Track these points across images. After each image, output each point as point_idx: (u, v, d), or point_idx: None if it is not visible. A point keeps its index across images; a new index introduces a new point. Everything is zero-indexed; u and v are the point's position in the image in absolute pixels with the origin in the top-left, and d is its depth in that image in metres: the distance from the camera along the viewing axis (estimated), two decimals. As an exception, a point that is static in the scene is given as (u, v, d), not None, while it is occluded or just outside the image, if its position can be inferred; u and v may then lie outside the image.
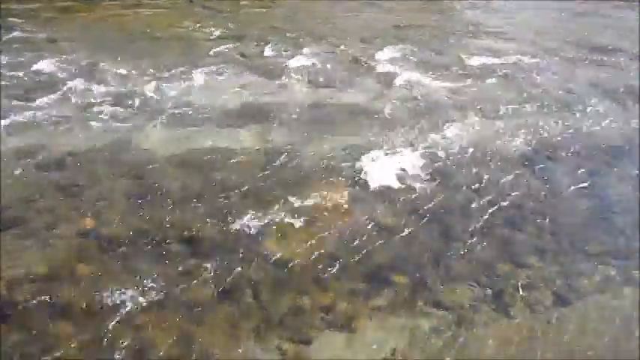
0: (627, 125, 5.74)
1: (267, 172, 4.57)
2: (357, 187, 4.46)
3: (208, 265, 3.54)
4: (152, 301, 3.25)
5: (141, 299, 3.25)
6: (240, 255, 3.64)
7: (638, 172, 4.87)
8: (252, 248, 3.72)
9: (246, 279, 3.48)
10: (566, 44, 8.54)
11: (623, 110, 6.08)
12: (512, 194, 4.48)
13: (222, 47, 7.60)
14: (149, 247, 3.67)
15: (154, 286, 3.35)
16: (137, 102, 5.72)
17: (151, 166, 4.59)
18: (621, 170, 4.92)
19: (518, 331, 3.24)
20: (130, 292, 3.28)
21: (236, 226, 3.91)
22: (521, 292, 3.49)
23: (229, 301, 3.32)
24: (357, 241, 3.85)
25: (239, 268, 3.55)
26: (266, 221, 3.96)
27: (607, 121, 5.79)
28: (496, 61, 7.39)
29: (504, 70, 7.13)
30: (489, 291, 3.49)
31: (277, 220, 3.99)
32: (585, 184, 4.68)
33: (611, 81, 6.94)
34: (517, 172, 4.80)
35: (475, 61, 7.34)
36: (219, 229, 3.87)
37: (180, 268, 3.51)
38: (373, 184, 4.49)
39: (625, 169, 4.95)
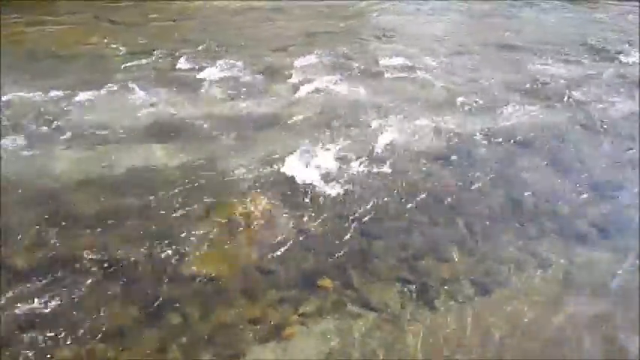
0: (535, 119, 6.06)
1: (186, 188, 4.48)
2: (279, 196, 4.45)
3: (131, 290, 3.43)
4: (73, 331, 3.10)
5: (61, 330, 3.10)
6: (164, 276, 3.55)
7: (546, 162, 5.15)
8: (176, 267, 3.62)
9: (171, 299, 3.39)
10: (475, 44, 8.93)
11: (530, 105, 6.42)
12: (431, 190, 4.62)
13: (132, 62, 7.37)
14: (65, 275, 3.49)
15: (74, 314, 3.20)
16: (43, 125, 5.44)
17: (62, 192, 4.38)
18: (533, 160, 5.19)
19: (445, 323, 3.34)
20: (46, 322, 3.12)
21: (157, 245, 3.80)
22: (444, 286, 3.60)
23: (156, 324, 3.22)
24: (281, 250, 3.84)
25: (163, 290, 3.45)
26: (188, 238, 3.88)
27: (517, 116, 6.10)
28: (408, 63, 7.61)
29: (417, 72, 7.35)
30: (414, 287, 3.58)
31: (199, 236, 3.91)
32: (498, 176, 4.90)
33: (518, 77, 7.33)
34: (434, 168, 4.96)
35: (388, 64, 7.52)
36: (140, 251, 3.75)
37: (101, 295, 3.37)
38: (294, 192, 4.50)
39: (534, 158, 5.22)
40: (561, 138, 5.63)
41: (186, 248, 3.79)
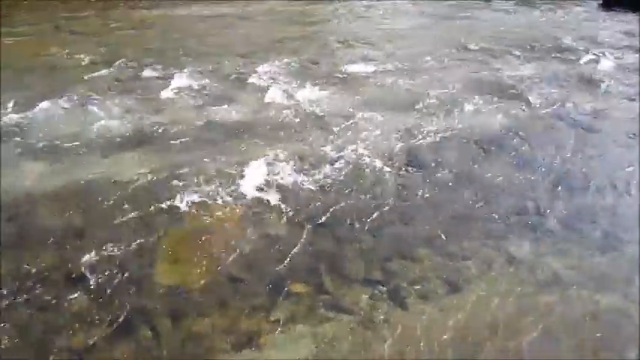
0: (497, 118, 6.18)
1: (154, 198, 4.42)
2: (248, 203, 4.43)
3: (98, 304, 3.36)
4: (40, 350, 3.02)
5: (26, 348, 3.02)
6: (132, 288, 3.49)
7: (509, 160, 5.25)
8: (145, 279, 3.57)
9: (141, 313, 3.34)
10: (438, 47, 9.06)
11: (493, 104, 6.55)
12: (398, 191, 4.67)
13: (95, 73, 7.27)
14: (29, 292, 3.41)
15: (40, 332, 3.12)
16: (4, 138, 5.31)
17: (26, 205, 4.28)
18: (496, 159, 5.29)
19: (417, 322, 3.36)
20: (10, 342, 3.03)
21: (124, 258, 3.74)
22: (414, 285, 3.63)
23: (125, 339, 3.16)
24: (251, 257, 3.83)
25: (132, 302, 3.40)
26: (156, 249, 3.83)
27: (479, 116, 6.21)
28: (372, 67, 7.69)
29: (381, 75, 7.43)
30: (385, 288, 3.60)
31: (167, 246, 3.86)
32: (464, 174, 4.97)
33: (480, 78, 7.46)
34: (400, 172, 5.01)
35: (352, 70, 7.59)
36: (107, 264, 3.68)
37: (67, 312, 3.29)
38: (263, 198, 4.49)
39: (499, 157, 5.32)
40: (523, 135, 5.74)
41: (154, 259, 3.74)
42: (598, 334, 3.25)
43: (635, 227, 4.24)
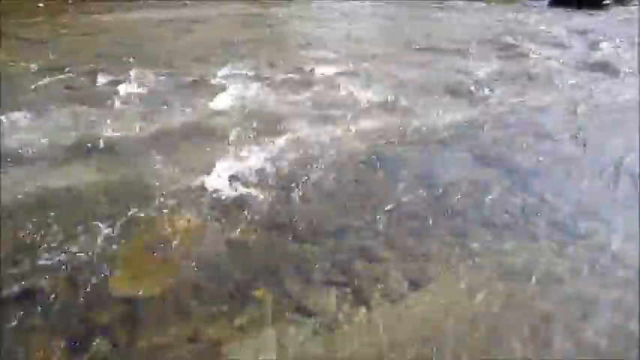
0: (456, 116, 6.27)
1: (109, 207, 4.31)
2: (206, 209, 4.36)
3: (54, 320, 3.24)
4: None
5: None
6: (88, 301, 3.38)
7: (467, 158, 5.33)
8: (101, 291, 3.46)
9: (97, 326, 3.23)
10: (394, 47, 9.16)
11: (448, 103, 6.65)
12: (359, 192, 4.68)
13: (44, 81, 7.04)
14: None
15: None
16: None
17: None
18: (452, 156, 5.36)
19: (381, 322, 3.36)
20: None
21: (79, 270, 3.62)
22: (378, 285, 3.63)
23: (80, 354, 3.05)
24: (212, 263, 3.76)
25: (90, 316, 3.29)
26: (112, 260, 3.72)
27: (437, 116, 6.29)
28: (330, 70, 7.70)
29: (339, 78, 7.45)
30: (349, 289, 3.59)
31: (125, 256, 3.76)
32: (423, 173, 5.02)
33: (435, 78, 7.56)
34: (360, 170, 5.02)
35: (308, 71, 7.58)
36: (60, 277, 3.56)
37: (18, 328, 3.16)
38: (221, 202, 4.43)
39: (455, 155, 5.39)
40: (478, 133, 5.85)
41: (110, 270, 3.64)
42: (558, 326, 3.32)
43: (592, 219, 4.36)
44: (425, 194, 4.72)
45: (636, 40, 9.40)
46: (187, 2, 12.24)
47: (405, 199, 4.62)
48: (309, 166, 5.03)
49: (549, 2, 12.81)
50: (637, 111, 6.41)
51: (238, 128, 5.80)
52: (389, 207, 4.51)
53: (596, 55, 8.47)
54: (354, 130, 5.75)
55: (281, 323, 3.33)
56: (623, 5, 12.58)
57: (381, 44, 9.18)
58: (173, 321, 3.29)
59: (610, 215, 4.39)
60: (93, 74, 7.24)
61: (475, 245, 4.05)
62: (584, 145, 5.54)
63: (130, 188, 4.58)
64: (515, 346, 3.17)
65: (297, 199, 4.55)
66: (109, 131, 5.64)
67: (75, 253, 3.78)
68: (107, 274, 3.60)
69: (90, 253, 3.77)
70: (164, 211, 4.30)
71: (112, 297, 3.44)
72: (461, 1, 12.81)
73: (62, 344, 3.12)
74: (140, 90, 6.70)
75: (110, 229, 4.04)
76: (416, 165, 5.15)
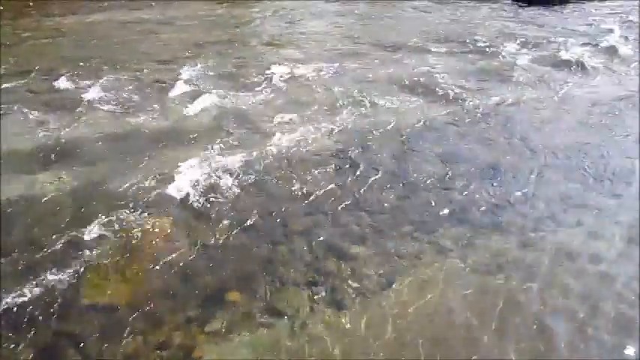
0: (420, 114, 6.33)
1: (76, 213, 4.23)
2: (176, 212, 4.32)
3: (23, 330, 3.18)
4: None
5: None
6: (58, 312, 3.32)
7: (434, 153, 5.39)
8: (71, 301, 3.41)
9: (68, 336, 3.18)
10: (360, 46, 9.18)
11: (414, 101, 6.70)
12: (327, 191, 4.69)
13: (5, 85, 6.86)
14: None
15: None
16: None
17: None
18: (420, 153, 5.41)
19: (355, 320, 3.38)
20: None
21: (48, 281, 3.55)
22: (350, 283, 3.65)
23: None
24: (183, 268, 3.73)
25: (59, 326, 3.23)
26: (81, 267, 3.66)
27: (404, 113, 6.34)
28: (297, 69, 7.68)
29: (306, 76, 7.44)
30: (321, 288, 3.60)
31: (93, 263, 3.70)
32: (390, 170, 5.06)
33: (401, 76, 7.61)
34: (329, 168, 5.03)
35: (277, 71, 7.55)
36: (29, 288, 3.48)
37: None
38: (191, 206, 4.40)
39: (423, 151, 5.44)
40: (445, 129, 5.91)
41: (80, 277, 3.58)
42: (527, 320, 3.39)
43: (557, 213, 4.46)
44: (394, 190, 4.75)
45: (593, 36, 9.65)
46: (153, 3, 12.06)
47: (374, 197, 4.65)
48: (279, 167, 5.02)
49: (513, 0, 13.01)
50: (599, 105, 6.58)
51: (207, 130, 5.74)
52: (359, 205, 4.53)
53: (556, 52, 8.64)
54: (323, 129, 5.75)
55: (254, 326, 3.32)
56: (582, 2, 12.87)
57: (348, 43, 9.19)
58: (143, 328, 3.25)
59: (571, 211, 4.51)
60: (56, 78, 7.08)
61: (443, 241, 4.11)
62: (550, 142, 5.66)
63: (97, 194, 4.50)
64: (488, 341, 3.23)
65: (268, 200, 4.54)
66: (74, 136, 5.53)
67: (41, 264, 3.70)
68: (76, 283, 3.54)
69: (57, 264, 3.70)
70: (133, 216, 4.24)
71: (81, 306, 3.38)
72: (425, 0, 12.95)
73: (31, 356, 3.06)
74: (106, 93, 6.57)
75: (77, 238, 3.97)
76: (385, 162, 5.18)
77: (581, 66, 8.04)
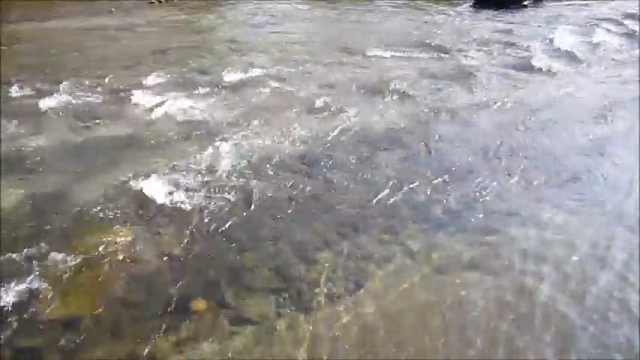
0: (385, 116, 6.38)
1: (35, 226, 4.12)
2: (139, 222, 4.25)
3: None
4: None
5: None
6: (19, 328, 3.22)
7: (400, 155, 5.44)
8: (32, 316, 3.31)
9: (30, 352, 3.08)
10: (324, 51, 9.22)
11: (378, 103, 6.76)
12: (294, 196, 4.68)
13: (-44, 95, 6.64)
14: None
15: None
16: None
17: None
18: (384, 155, 5.45)
19: (323, 325, 3.38)
20: None
21: (8, 293, 3.45)
22: (317, 288, 3.65)
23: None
24: (147, 278, 3.67)
25: (20, 342, 3.14)
26: (41, 281, 3.55)
27: (368, 116, 6.38)
28: (261, 74, 7.67)
29: (270, 83, 7.42)
30: (288, 294, 3.59)
31: (55, 276, 3.60)
32: (355, 173, 5.08)
33: (365, 79, 7.67)
34: (293, 175, 5.02)
35: (240, 77, 7.52)
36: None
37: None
38: (155, 214, 4.33)
39: (386, 153, 5.49)
40: (408, 131, 5.98)
41: (40, 291, 3.48)
42: (493, 320, 3.44)
43: (519, 212, 4.55)
44: (359, 193, 4.78)
45: (551, 39, 9.92)
46: (112, 9, 11.87)
47: (339, 201, 4.66)
48: (243, 174, 4.98)
49: (473, 3, 13.28)
50: (558, 109, 6.76)
51: (169, 138, 5.67)
52: (324, 209, 4.54)
53: (517, 55, 8.85)
54: (286, 134, 5.74)
55: (221, 334, 3.28)
56: (541, 5, 13.22)
57: (310, 47, 9.21)
58: (107, 341, 3.18)
59: (529, 209, 4.61)
60: (15, 86, 6.89)
61: (410, 242, 4.14)
62: (510, 143, 5.77)
63: (56, 205, 4.40)
64: (457, 342, 3.26)
65: (233, 207, 4.50)
66: (31, 145, 5.39)
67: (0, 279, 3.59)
68: (35, 297, 3.44)
69: (15, 277, 3.59)
70: (96, 226, 4.15)
71: (42, 320, 3.29)
72: (389, 4, 13.07)
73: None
74: (65, 101, 6.42)
75: (38, 251, 3.86)
76: (349, 166, 5.20)
77: (539, 68, 8.25)
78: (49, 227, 4.13)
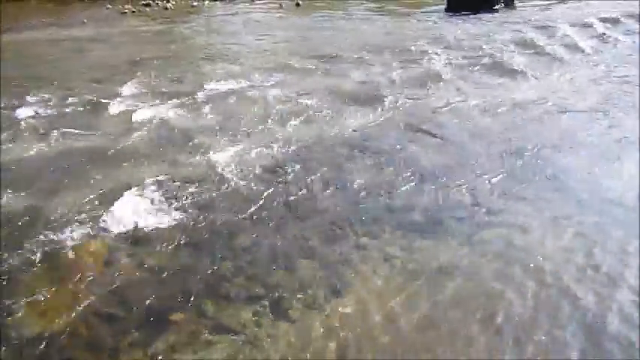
0: (359, 123, 6.42)
1: (6, 240, 4.05)
2: (114, 234, 4.20)
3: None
4: None
5: None
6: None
7: (376, 161, 5.47)
8: (6, 330, 3.24)
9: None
10: (300, 57, 9.25)
11: (354, 110, 6.80)
12: (270, 204, 4.68)
13: None
14: None
15: None
16: None
17: None
18: (359, 161, 5.48)
19: (302, 332, 3.36)
20: None
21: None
22: (296, 295, 3.64)
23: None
24: (123, 290, 3.62)
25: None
26: (14, 295, 3.48)
27: (343, 123, 6.41)
28: (235, 83, 7.66)
29: (247, 91, 7.42)
30: (267, 302, 3.57)
31: (26, 291, 3.53)
32: (331, 180, 5.09)
33: (340, 86, 7.71)
34: (270, 183, 5.01)
35: (216, 86, 7.51)
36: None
37: None
38: (129, 227, 4.28)
39: (362, 160, 5.51)
40: (383, 137, 6.02)
41: (13, 306, 3.40)
42: (476, 322, 3.47)
43: (498, 213, 4.60)
44: (337, 200, 4.79)
45: (522, 42, 10.11)
46: (85, 20, 11.76)
47: (316, 206, 4.67)
48: (219, 183, 4.96)
49: (445, 9, 13.48)
50: (531, 110, 6.87)
51: (144, 149, 5.61)
52: (303, 216, 4.54)
53: (487, 58, 9.00)
54: (262, 142, 5.74)
55: (199, 345, 3.25)
56: (512, 9, 13.48)
57: (287, 55, 9.24)
58: (82, 355, 3.13)
59: (510, 211, 4.66)
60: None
61: (387, 248, 4.15)
62: (483, 145, 5.85)
63: (29, 218, 4.32)
64: (439, 346, 3.27)
65: (210, 217, 4.47)
66: (4, 158, 5.30)
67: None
68: (10, 312, 3.37)
69: (-12, 292, 3.52)
70: (70, 240, 4.09)
71: (17, 336, 3.22)
72: (363, 10, 13.19)
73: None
74: (37, 114, 6.33)
75: (13, 263, 3.79)
76: (326, 172, 5.21)
77: (510, 70, 8.40)
78: (20, 241, 4.05)
